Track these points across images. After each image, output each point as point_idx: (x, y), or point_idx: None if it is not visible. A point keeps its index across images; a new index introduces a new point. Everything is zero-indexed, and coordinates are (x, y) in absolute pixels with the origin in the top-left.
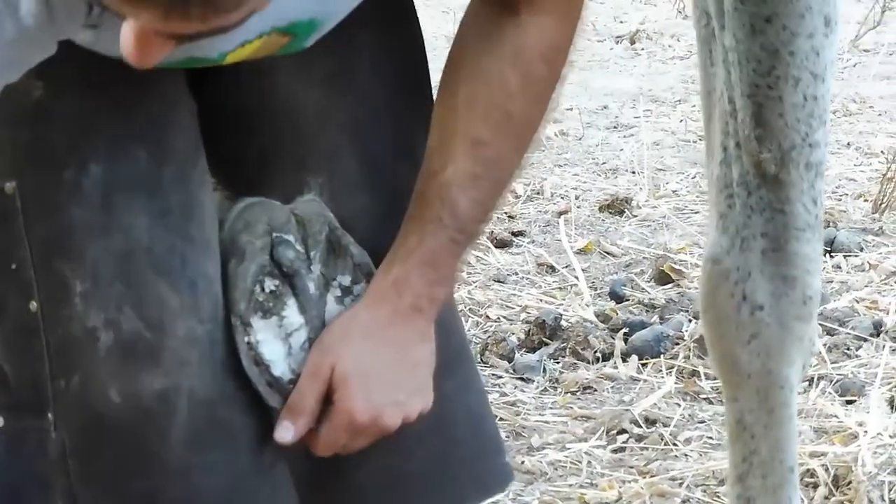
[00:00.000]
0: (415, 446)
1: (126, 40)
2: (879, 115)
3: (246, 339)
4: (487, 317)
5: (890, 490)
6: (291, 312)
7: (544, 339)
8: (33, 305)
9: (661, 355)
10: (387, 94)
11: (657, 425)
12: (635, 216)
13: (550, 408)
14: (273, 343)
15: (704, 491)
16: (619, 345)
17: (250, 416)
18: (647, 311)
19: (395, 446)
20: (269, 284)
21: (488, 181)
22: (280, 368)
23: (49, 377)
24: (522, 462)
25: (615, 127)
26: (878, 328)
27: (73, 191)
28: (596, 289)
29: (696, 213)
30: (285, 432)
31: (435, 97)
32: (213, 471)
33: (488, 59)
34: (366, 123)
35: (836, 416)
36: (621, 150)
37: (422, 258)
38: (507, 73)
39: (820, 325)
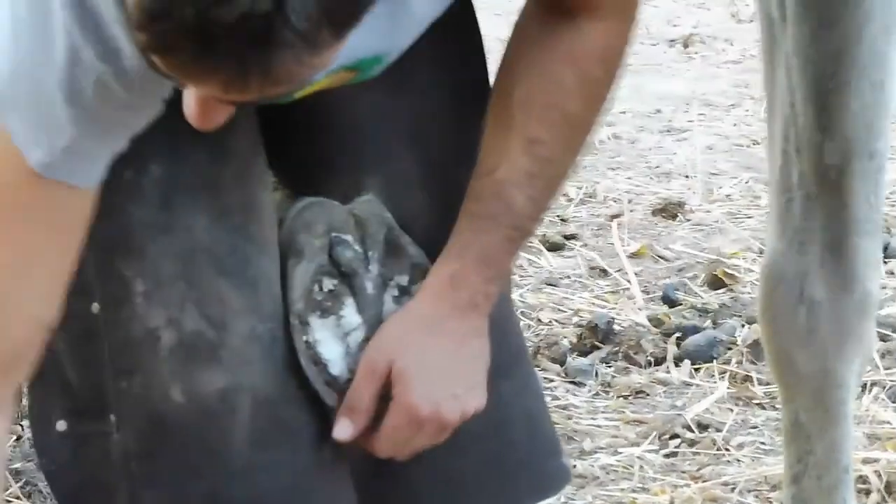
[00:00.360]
0: (471, 447)
1: (189, 106)
2: None
3: (304, 338)
4: (539, 320)
5: None
6: (349, 312)
7: (596, 342)
8: (95, 307)
9: (714, 360)
10: (445, 95)
11: (709, 430)
12: (688, 220)
13: (602, 412)
14: (331, 342)
15: (757, 496)
16: (672, 349)
17: (311, 414)
18: (700, 315)
19: (452, 447)
20: (328, 284)
21: (543, 180)
22: (338, 368)
23: (111, 379)
24: (574, 466)
25: (668, 131)
26: None
27: (133, 191)
28: (648, 293)
29: (749, 217)
30: (343, 430)
31: (490, 97)
32: (275, 470)
33: (544, 60)
34: (424, 125)
35: (888, 422)
36: (674, 153)
37: (477, 255)
38: (564, 74)
39: None
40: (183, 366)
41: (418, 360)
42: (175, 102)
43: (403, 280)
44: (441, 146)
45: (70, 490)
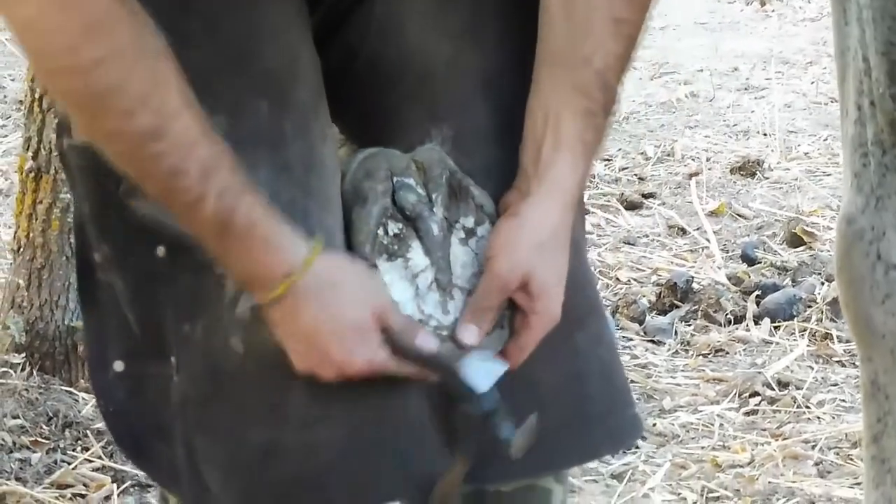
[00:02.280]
0: (549, 401)
1: None
2: None
3: None
4: (618, 279)
5: None
6: (416, 254)
7: (675, 301)
8: (160, 251)
9: (794, 318)
10: (516, 48)
11: (790, 388)
12: (767, 178)
13: (682, 370)
14: (400, 284)
15: (837, 454)
16: (752, 307)
17: None
18: (780, 273)
19: (530, 401)
20: (393, 227)
21: (628, 61)
22: (409, 309)
23: (173, 321)
24: (654, 424)
25: (746, 89)
26: None
27: None
28: (727, 251)
29: (827, 175)
30: (469, 334)
31: None
32: (332, 424)
33: None
34: (497, 75)
35: None
36: (752, 112)
37: (594, 155)
38: None
39: None
40: (245, 316)
41: (554, 272)
42: (235, 53)
43: (469, 222)
44: (513, 99)
45: (128, 432)
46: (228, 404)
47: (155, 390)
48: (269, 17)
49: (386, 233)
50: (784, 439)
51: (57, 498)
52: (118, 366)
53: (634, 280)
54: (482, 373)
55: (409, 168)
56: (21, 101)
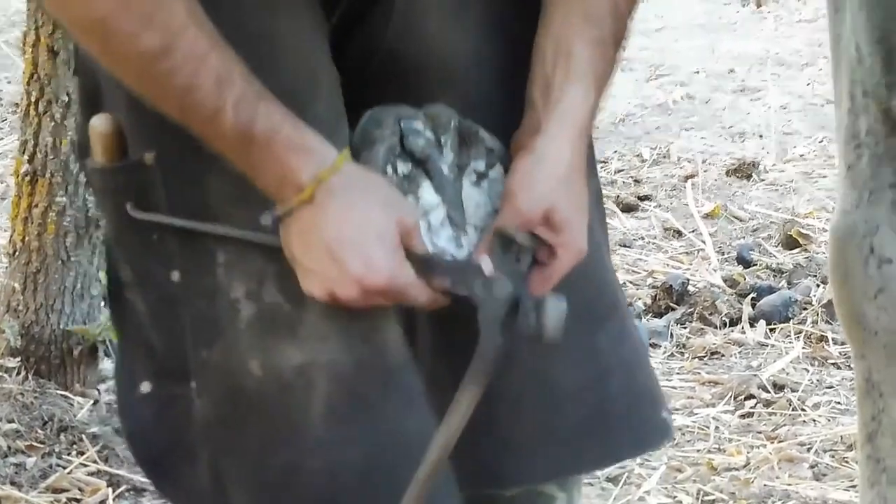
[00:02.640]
0: (569, 403)
1: None
2: None
3: None
4: None
5: None
6: (427, 193)
7: (671, 303)
8: (175, 275)
9: (790, 320)
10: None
11: (785, 390)
12: (762, 180)
13: (678, 373)
14: None
15: (833, 456)
16: (747, 310)
17: (389, 389)
18: (775, 275)
19: (551, 403)
20: (402, 168)
21: None
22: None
23: (191, 346)
24: None
25: (742, 90)
26: None
27: (213, 160)
28: (723, 253)
29: (823, 177)
30: (485, 265)
31: None
32: (352, 444)
33: None
34: (518, 69)
35: None
36: (748, 113)
37: (606, 83)
38: None
39: None
40: (261, 339)
41: (576, 208)
42: (254, 66)
43: (480, 165)
44: None
45: (152, 452)
46: (250, 426)
47: (178, 412)
48: (287, 35)
49: (395, 172)
50: (779, 442)
51: (52, 502)
52: (145, 387)
53: (630, 282)
54: (508, 279)
55: (416, 115)
56: (17, 105)
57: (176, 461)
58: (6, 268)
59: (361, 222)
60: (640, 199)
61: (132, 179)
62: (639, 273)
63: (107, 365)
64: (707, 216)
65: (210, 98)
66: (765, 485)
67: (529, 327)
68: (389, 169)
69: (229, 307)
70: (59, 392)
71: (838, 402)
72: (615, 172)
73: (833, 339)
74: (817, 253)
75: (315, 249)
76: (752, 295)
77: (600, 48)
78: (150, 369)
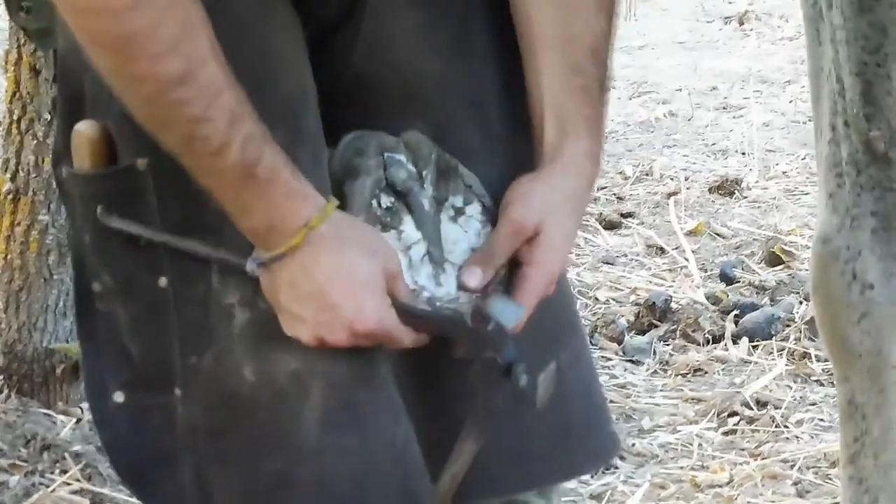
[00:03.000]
0: (535, 424)
1: None
2: None
3: None
4: (597, 299)
5: None
6: (409, 227)
7: (654, 321)
8: (163, 281)
9: (772, 337)
10: (504, 62)
11: (768, 407)
12: (745, 197)
13: (661, 390)
14: None
15: (816, 473)
16: (730, 327)
17: (383, 399)
18: (758, 292)
19: (520, 424)
20: (386, 201)
21: (613, 33)
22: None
23: (179, 353)
24: (633, 444)
25: (724, 108)
26: None
27: None
28: (706, 270)
29: (806, 194)
30: (472, 277)
31: None
32: (345, 453)
33: None
34: (485, 93)
35: None
36: (731, 130)
37: (601, 128)
38: None
39: None
40: (255, 345)
41: (564, 232)
42: (249, 81)
43: (458, 201)
44: (500, 117)
45: (130, 462)
46: (242, 434)
47: (158, 420)
48: (282, 46)
49: (379, 205)
50: (763, 459)
51: None
52: (118, 396)
53: (613, 300)
54: (507, 311)
55: (398, 145)
56: None
57: (155, 469)
58: None
59: (350, 269)
60: (623, 216)
61: (120, 186)
62: (622, 290)
63: None
64: (690, 233)
65: (219, 133)
66: (748, 502)
67: (519, 391)
68: (374, 202)
69: (223, 313)
70: (41, 410)
71: (821, 419)
72: (598, 190)
73: (816, 356)
74: (800, 270)
75: (306, 295)
76: (734, 312)
77: (587, 95)
78: (124, 379)
